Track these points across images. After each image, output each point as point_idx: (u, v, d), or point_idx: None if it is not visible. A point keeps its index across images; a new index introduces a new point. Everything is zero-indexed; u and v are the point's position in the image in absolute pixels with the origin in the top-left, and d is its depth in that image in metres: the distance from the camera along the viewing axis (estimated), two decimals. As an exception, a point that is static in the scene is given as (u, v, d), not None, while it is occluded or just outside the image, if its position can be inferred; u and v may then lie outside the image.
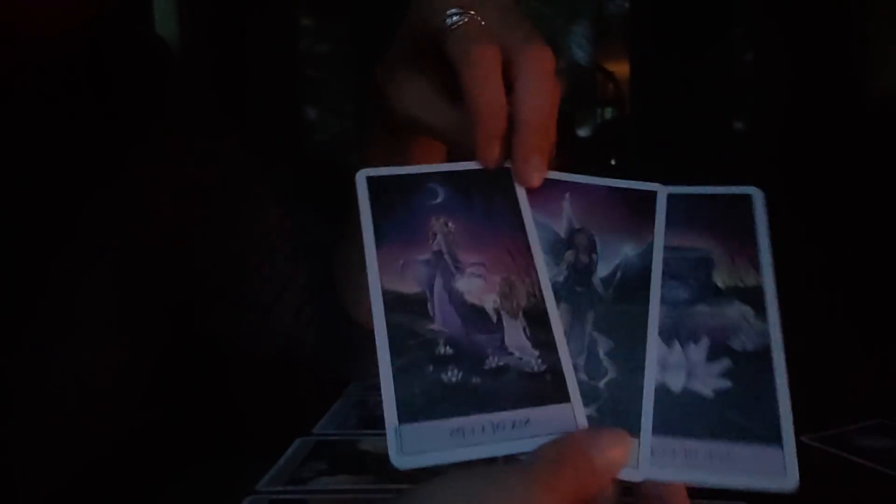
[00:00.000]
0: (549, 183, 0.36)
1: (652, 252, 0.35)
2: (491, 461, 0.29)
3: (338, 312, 0.61)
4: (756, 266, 0.34)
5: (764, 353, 0.32)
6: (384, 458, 0.29)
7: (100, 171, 0.54)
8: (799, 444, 0.31)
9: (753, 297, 0.34)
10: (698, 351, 0.33)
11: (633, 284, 0.34)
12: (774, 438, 0.31)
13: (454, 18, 0.39)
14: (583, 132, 4.19)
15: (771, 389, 0.32)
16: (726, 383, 0.32)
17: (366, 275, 0.33)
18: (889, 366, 0.84)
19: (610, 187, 0.37)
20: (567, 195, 0.36)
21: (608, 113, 4.29)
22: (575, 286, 0.34)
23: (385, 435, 0.30)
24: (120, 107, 0.56)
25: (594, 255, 0.35)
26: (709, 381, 0.32)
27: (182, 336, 0.64)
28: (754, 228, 0.35)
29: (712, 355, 0.33)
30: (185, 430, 0.64)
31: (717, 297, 0.34)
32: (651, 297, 0.34)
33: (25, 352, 0.50)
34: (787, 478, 0.30)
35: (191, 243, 0.60)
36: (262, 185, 0.63)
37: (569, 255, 0.35)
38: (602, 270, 0.35)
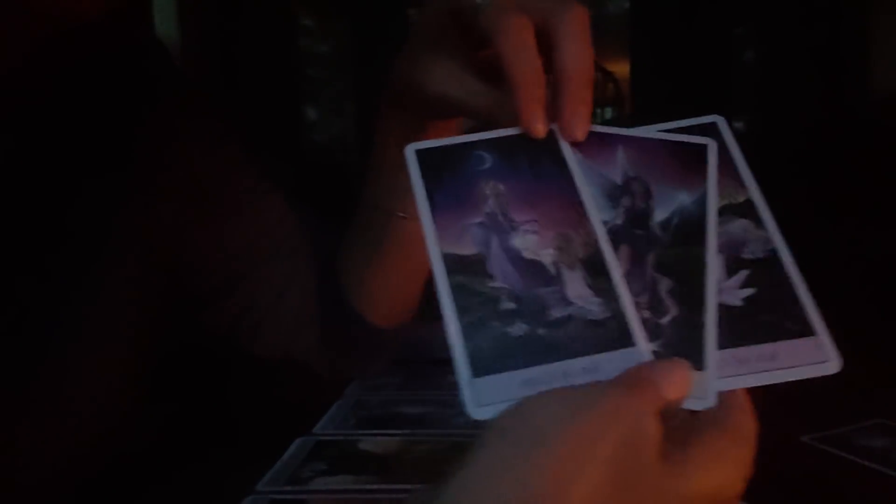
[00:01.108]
0: (600, 136, 0.37)
1: (706, 200, 0.36)
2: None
3: (338, 312, 0.61)
4: (741, 182, 0.37)
5: (773, 257, 0.35)
6: (384, 458, 0.29)
7: (99, 171, 0.54)
8: (799, 444, 0.31)
9: (748, 210, 0.36)
10: (719, 268, 0.35)
11: (690, 229, 0.36)
12: (808, 330, 0.33)
13: None
14: (583, 132, 4.17)
15: (790, 287, 0.34)
16: (751, 291, 0.34)
17: (424, 242, 0.34)
18: (889, 366, 0.84)
19: (661, 140, 0.38)
20: (620, 147, 0.38)
21: (608, 113, 4.28)
22: (634, 229, 0.35)
23: (385, 435, 0.30)
24: (118, 108, 0.56)
25: (651, 202, 0.36)
26: (735, 292, 0.34)
27: (183, 336, 0.64)
28: (728, 150, 0.38)
29: (731, 269, 0.35)
30: (185, 430, 0.64)
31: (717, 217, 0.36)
32: (708, 240, 0.35)
33: (25, 352, 0.50)
34: (831, 361, 0.32)
35: (191, 243, 0.60)
36: (262, 185, 0.63)
37: (625, 201, 0.36)
38: (659, 215, 0.36)
